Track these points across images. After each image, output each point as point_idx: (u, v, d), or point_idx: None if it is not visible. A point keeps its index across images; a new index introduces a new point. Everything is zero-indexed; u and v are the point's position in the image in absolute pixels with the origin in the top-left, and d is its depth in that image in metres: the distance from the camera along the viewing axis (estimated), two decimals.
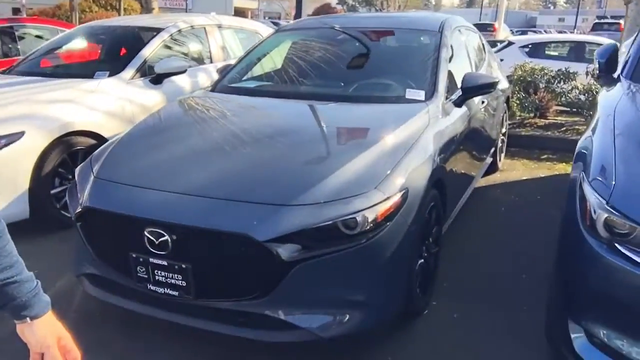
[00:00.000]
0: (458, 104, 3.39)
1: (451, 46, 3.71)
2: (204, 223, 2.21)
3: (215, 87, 3.72)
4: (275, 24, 30.60)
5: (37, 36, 7.16)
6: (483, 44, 4.98)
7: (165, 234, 2.25)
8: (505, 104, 5.37)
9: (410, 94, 3.21)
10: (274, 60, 4.06)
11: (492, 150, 4.86)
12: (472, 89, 3.39)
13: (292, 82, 3.61)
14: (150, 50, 4.68)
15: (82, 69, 4.86)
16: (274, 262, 2.15)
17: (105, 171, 2.65)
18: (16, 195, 3.63)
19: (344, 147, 2.67)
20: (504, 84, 5.23)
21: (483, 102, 3.99)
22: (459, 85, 3.42)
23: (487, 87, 3.41)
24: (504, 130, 5.48)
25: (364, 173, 2.40)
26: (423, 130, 2.85)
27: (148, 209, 2.33)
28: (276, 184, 2.35)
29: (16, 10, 30.81)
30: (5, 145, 3.55)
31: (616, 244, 1.70)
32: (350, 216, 2.20)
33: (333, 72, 3.63)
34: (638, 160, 1.89)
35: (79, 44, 5.29)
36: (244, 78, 3.86)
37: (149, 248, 2.29)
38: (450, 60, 3.56)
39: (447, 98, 3.31)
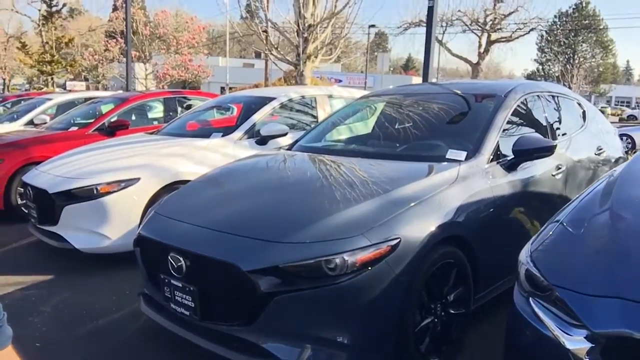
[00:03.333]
0: (508, 167, 3.33)
1: (518, 111, 3.67)
2: (205, 251, 2.57)
3: (291, 146, 4.15)
4: None
5: (188, 105, 8.46)
6: (584, 112, 4.70)
7: (181, 259, 2.65)
8: None
9: (452, 154, 3.26)
10: (344, 124, 4.39)
11: None
12: (524, 152, 3.30)
13: (352, 142, 3.89)
14: (260, 116, 5.36)
15: (207, 131, 5.71)
16: (256, 292, 2.40)
17: (162, 207, 3.18)
18: (128, 229, 4.39)
19: (353, 195, 2.84)
20: (612, 153, 4.80)
21: (559, 167, 3.79)
22: None
23: (541, 151, 3.29)
24: None
25: (358, 219, 2.55)
26: (445, 187, 2.89)
27: (172, 237, 2.77)
28: (273, 223, 2.63)
29: (222, 89, 36.12)
30: (124, 187, 4.37)
31: (530, 299, 1.62)
32: (329, 257, 2.37)
33: (390, 134, 3.83)
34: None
35: (212, 110, 6.25)
36: (316, 139, 4.23)
37: (171, 271, 2.71)
38: (512, 126, 3.53)
39: (495, 161, 3.28)
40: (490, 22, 30.53)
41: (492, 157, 3.28)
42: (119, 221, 4.36)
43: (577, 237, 1.76)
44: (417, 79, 54.81)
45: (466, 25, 31.01)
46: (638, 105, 52.80)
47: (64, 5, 18.54)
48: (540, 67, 55.38)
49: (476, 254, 2.96)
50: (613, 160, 4.81)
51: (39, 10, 21.38)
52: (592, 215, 1.84)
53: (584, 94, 44.28)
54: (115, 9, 26.01)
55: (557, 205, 3.81)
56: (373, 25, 37.52)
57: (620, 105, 56.08)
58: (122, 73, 20.99)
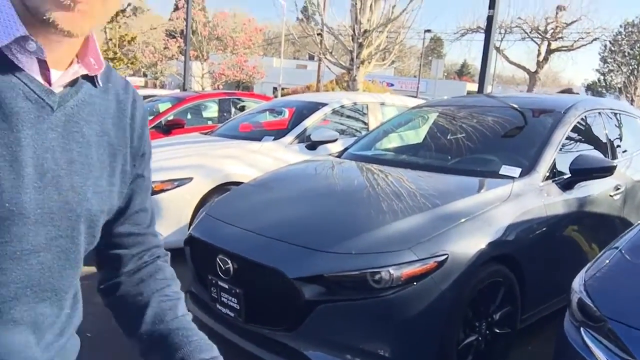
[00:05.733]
0: (565, 186, 3.23)
1: (578, 128, 3.56)
2: (252, 255, 2.61)
3: (341, 153, 4.17)
4: None
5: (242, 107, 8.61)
6: None
7: (229, 262, 2.71)
8: None
9: (505, 170, 3.20)
10: (395, 133, 4.36)
11: None
12: (581, 171, 3.20)
13: (403, 152, 3.87)
14: (311, 121, 5.40)
15: (259, 134, 5.80)
16: (300, 299, 2.43)
17: (213, 209, 3.26)
18: (179, 227, 4.52)
19: (402, 208, 2.82)
20: None
21: (618, 188, 3.65)
22: None
23: (600, 171, 3.19)
24: None
25: (406, 233, 2.54)
26: (497, 204, 2.84)
27: (221, 239, 2.83)
28: (320, 232, 2.65)
29: (274, 89, 36.60)
30: (177, 186, 4.49)
31: (581, 328, 1.57)
32: (375, 270, 2.37)
33: (442, 146, 3.79)
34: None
35: (265, 113, 6.35)
36: (366, 147, 4.23)
37: (219, 272, 2.77)
38: (571, 142, 3.43)
39: (551, 179, 3.19)
40: (552, 31, 29.62)
41: (548, 174, 3.20)
42: (171, 218, 4.48)
43: (636, 267, 1.69)
44: (471, 86, 53.81)
45: (526, 33, 30.19)
46: None
47: (129, 4, 19.23)
48: (602, 77, 53.17)
49: (525, 274, 2.89)
50: None
51: None
52: None
53: None
54: (176, 8, 26.81)
55: (614, 228, 3.69)
56: (429, 30, 37.03)
57: None
58: (180, 71, 21.60)
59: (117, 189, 0.89)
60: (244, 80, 21.39)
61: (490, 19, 7.44)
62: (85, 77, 0.81)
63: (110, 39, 19.92)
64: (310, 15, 17.06)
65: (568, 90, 57.61)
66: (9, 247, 0.72)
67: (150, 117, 7.24)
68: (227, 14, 19.54)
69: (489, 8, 7.45)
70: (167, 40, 23.56)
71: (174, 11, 27.95)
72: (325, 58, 11.38)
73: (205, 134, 6.12)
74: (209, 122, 7.64)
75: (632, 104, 37.73)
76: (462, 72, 70.19)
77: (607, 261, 1.71)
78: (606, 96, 52.47)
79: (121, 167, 0.89)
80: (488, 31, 7.48)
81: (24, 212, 0.72)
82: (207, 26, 18.19)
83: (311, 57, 46.68)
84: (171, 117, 7.16)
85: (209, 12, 19.40)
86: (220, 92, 8.69)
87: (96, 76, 0.83)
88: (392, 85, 41.82)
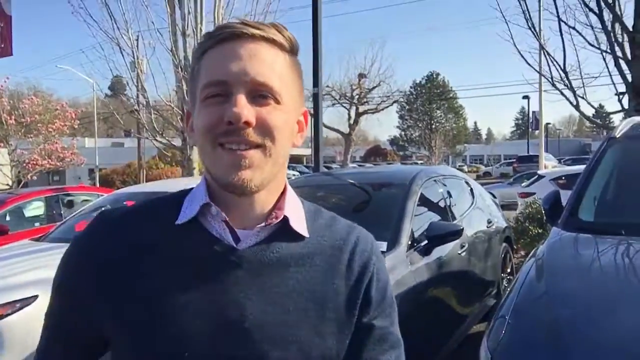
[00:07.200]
0: (424, 252, 3.55)
1: (422, 197, 3.97)
2: None
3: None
4: (327, 167, 32.23)
5: (85, 200, 7.99)
6: (472, 189, 5.21)
7: None
8: (506, 244, 5.44)
9: None
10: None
11: (493, 291, 4.85)
12: (437, 237, 3.56)
13: None
14: None
15: None
16: None
17: None
18: (26, 354, 3.93)
19: None
20: (499, 224, 5.35)
21: (463, 246, 4.12)
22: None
23: (452, 235, 3.58)
24: (509, 269, 5.48)
25: None
26: None
27: None
28: None
29: (91, 171, 34.22)
30: (20, 309, 3.93)
31: None
32: None
33: None
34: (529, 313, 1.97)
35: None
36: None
37: None
38: (418, 211, 3.80)
39: (413, 247, 3.49)
40: (357, 96, 32.83)
41: (409, 243, 3.49)
42: (19, 346, 3.89)
43: (525, 337, 1.93)
44: (293, 150, 56.47)
45: (335, 99, 33.02)
46: (490, 162, 58.89)
47: None
48: (403, 132, 59.98)
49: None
50: (501, 230, 5.34)
51: None
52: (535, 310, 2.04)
53: (444, 154, 48.53)
54: None
55: (469, 280, 4.15)
56: None
57: (475, 163, 62.12)
58: None
59: (332, 341, 0.85)
60: (57, 167, 19.70)
61: (315, 97, 8.01)
62: (288, 230, 0.86)
63: None
64: (119, 92, 16.46)
65: (377, 147, 63.16)
66: None
67: None
68: (34, 100, 18.03)
69: (314, 86, 8.03)
70: None
71: None
72: (155, 139, 11.02)
73: (38, 239, 5.50)
74: (36, 224, 6.89)
75: (431, 154, 43.00)
76: None
77: (504, 331, 1.92)
78: (408, 149, 59.13)
79: (335, 316, 0.86)
80: (316, 107, 8.03)
81: None
82: (12, 114, 16.56)
83: (127, 134, 44.90)
84: None
85: (4, 92, 17.57)
86: (47, 188, 7.92)
87: (291, 228, 0.86)
88: None
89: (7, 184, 16.81)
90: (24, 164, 16.78)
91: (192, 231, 0.84)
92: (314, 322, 0.84)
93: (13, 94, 20.77)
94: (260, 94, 0.80)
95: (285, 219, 0.86)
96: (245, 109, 0.78)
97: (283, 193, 0.89)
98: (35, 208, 7.32)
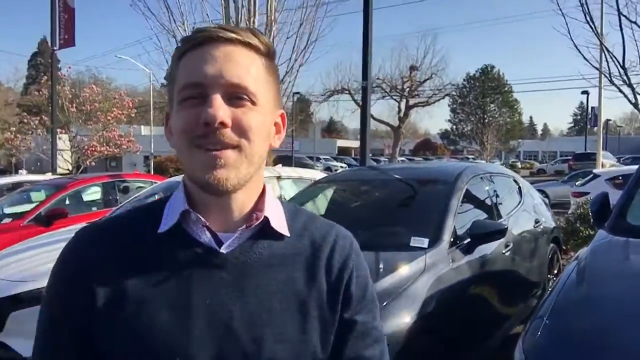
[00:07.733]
0: (466, 250, 3.53)
1: (467, 194, 3.94)
2: None
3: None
4: (375, 160, 31.98)
5: (139, 187, 8.30)
6: (520, 187, 5.10)
7: None
8: (554, 244, 5.31)
9: (415, 241, 3.42)
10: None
11: (538, 292, 4.76)
12: (480, 235, 3.53)
13: None
14: None
15: None
16: None
17: None
18: None
19: None
20: (547, 224, 5.22)
21: (507, 245, 4.06)
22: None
23: (495, 234, 3.54)
24: (555, 271, 5.35)
25: None
26: (416, 277, 3.02)
27: None
28: None
29: (146, 158, 35.33)
30: None
31: None
32: None
33: (351, 221, 3.96)
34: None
35: (154, 197, 6.16)
36: None
37: None
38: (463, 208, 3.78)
39: (455, 245, 3.48)
40: (408, 89, 32.45)
41: (452, 240, 3.48)
42: None
43: (562, 338, 1.91)
44: (342, 142, 56.52)
45: (385, 91, 32.77)
46: (544, 159, 57.01)
47: None
48: (454, 126, 58.90)
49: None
50: (549, 230, 5.22)
51: None
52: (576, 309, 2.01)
53: (497, 150, 47.32)
54: (32, 81, 25.16)
55: (512, 281, 4.09)
56: (298, 93, 38.65)
57: (529, 160, 60.26)
58: (37, 146, 20.06)
59: (316, 339, 0.87)
60: (114, 154, 20.48)
61: (364, 90, 8.02)
62: (269, 230, 0.88)
63: None
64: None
65: (426, 141, 62.31)
66: None
67: (27, 209, 6.68)
68: (94, 89, 18.80)
69: (363, 79, 8.05)
70: (26, 115, 22.01)
71: (29, 84, 26.27)
72: None
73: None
74: (94, 209, 7.22)
75: (483, 149, 42.03)
76: (330, 129, 73.50)
77: (539, 333, 1.91)
78: (459, 143, 58.03)
79: (318, 314, 0.88)
80: (364, 101, 8.05)
81: None
82: (74, 102, 17.34)
83: None
84: (50, 207, 6.64)
85: (67, 81, 18.36)
86: (104, 175, 8.28)
87: (272, 228, 0.88)
88: None
89: (68, 169, 17.67)
90: (84, 150, 17.57)
91: (174, 238, 0.85)
92: (299, 321, 0.86)
93: (75, 83, 21.65)
94: (236, 96, 0.82)
95: (266, 220, 0.87)
96: (220, 109, 0.79)
97: (262, 194, 0.91)
98: (93, 193, 7.67)
